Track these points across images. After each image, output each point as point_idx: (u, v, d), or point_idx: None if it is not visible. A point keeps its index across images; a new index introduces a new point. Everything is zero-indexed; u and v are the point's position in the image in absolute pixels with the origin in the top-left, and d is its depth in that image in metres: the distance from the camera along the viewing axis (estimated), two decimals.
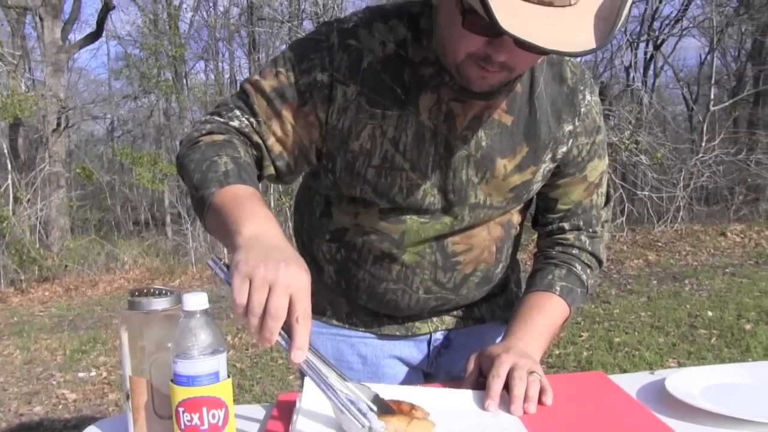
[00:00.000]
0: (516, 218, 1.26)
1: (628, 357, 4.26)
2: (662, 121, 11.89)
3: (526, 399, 0.98)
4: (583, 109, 1.16)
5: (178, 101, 12.94)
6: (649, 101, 11.17)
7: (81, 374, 4.71)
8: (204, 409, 0.82)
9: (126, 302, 0.94)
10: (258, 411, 1.07)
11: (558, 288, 1.21)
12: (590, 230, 1.26)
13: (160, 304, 0.92)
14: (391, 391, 1.04)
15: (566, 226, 1.26)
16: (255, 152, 1.12)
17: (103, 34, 12.46)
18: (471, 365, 1.10)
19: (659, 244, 8.57)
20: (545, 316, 1.19)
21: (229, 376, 0.87)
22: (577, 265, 1.25)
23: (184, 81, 13.94)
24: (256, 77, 1.12)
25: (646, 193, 9.49)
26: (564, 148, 1.17)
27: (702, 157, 9.74)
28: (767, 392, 1.04)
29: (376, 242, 1.19)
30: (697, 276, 6.64)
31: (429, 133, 1.09)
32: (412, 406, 0.89)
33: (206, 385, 0.82)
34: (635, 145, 9.41)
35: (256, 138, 1.10)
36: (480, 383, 1.07)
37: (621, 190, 9.43)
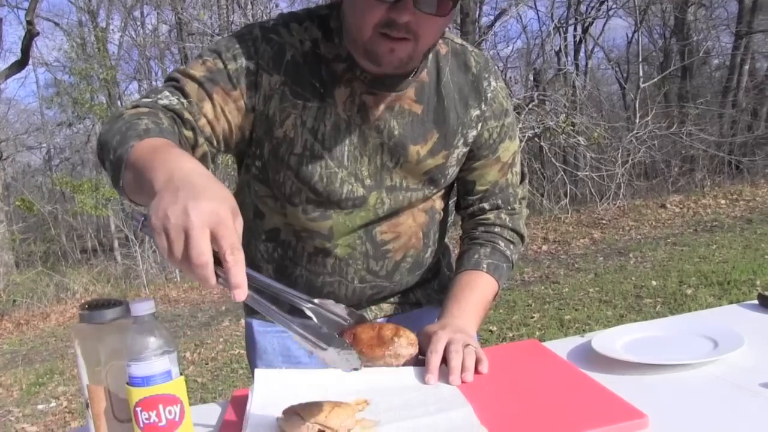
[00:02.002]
0: (439, 204, 1.33)
1: (579, 333, 4.40)
2: (597, 101, 12.22)
3: (463, 369, 1.05)
4: (489, 95, 1.25)
5: None
6: (582, 83, 11.49)
7: (40, 406, 4.64)
8: (160, 407, 0.87)
9: (77, 316, 0.98)
10: (214, 409, 1.12)
11: (485, 265, 1.30)
12: (509, 208, 1.35)
13: (110, 314, 0.96)
14: (334, 375, 1.10)
15: (486, 206, 1.34)
16: (186, 131, 1.10)
17: (30, 62, 12.17)
18: None
19: (603, 221, 8.83)
20: (476, 293, 1.27)
21: (181, 374, 0.92)
22: (500, 242, 1.33)
23: (119, 103, 13.72)
24: (183, 67, 1.16)
25: (587, 173, 9.75)
26: (474, 132, 1.25)
27: (637, 133, 10.04)
28: (681, 341, 1.14)
29: (308, 239, 1.25)
30: (641, 249, 6.88)
31: (344, 124, 1.17)
32: (397, 330, 0.88)
33: (160, 383, 0.87)
34: (572, 128, 9.66)
35: (187, 116, 1.10)
36: (419, 361, 1.14)
37: (562, 173, 9.68)
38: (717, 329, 1.15)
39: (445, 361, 1.09)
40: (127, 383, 0.89)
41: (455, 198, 1.40)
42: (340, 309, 0.91)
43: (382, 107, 1.18)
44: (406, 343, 0.86)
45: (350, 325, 0.99)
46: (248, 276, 0.76)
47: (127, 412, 0.93)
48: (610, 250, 7.18)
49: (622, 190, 9.56)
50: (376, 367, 1.12)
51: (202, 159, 1.14)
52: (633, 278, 5.66)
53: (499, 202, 1.34)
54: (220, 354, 5.36)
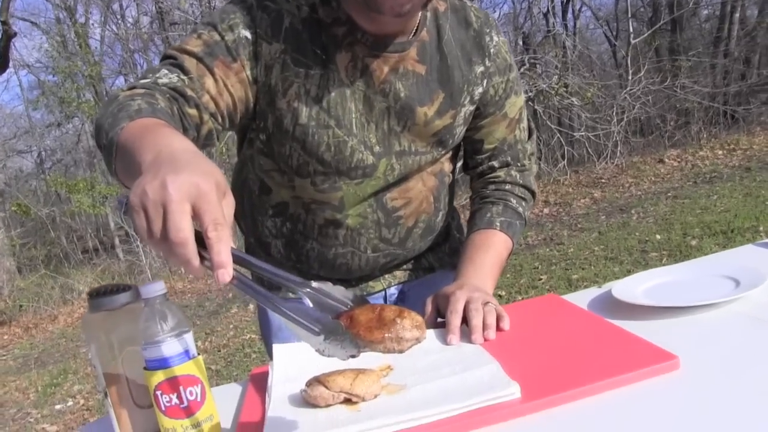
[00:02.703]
0: (447, 167, 1.31)
1: (566, 294, 4.40)
2: (588, 61, 12.12)
3: (484, 327, 1.04)
4: (492, 50, 1.22)
5: None
6: (573, 44, 11.38)
7: (58, 406, 4.65)
8: (181, 388, 0.85)
9: (87, 305, 0.96)
10: (234, 389, 1.11)
11: (498, 224, 1.27)
12: (518, 164, 1.33)
13: (120, 299, 0.94)
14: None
15: (495, 164, 1.32)
16: (190, 110, 1.05)
17: (10, 65, 12.03)
18: (428, 307, 1.15)
19: (602, 180, 8.81)
20: (491, 252, 1.25)
21: (199, 355, 0.90)
22: (512, 199, 1.31)
23: (106, 99, 13.61)
24: (179, 44, 1.11)
25: (583, 133, 9.71)
26: (480, 89, 1.22)
27: (630, 90, 9.98)
28: (701, 283, 1.12)
29: (318, 211, 1.22)
30: (642, 204, 6.87)
31: (348, 90, 1.13)
32: (400, 311, 0.78)
33: (178, 364, 0.85)
34: (565, 89, 9.60)
35: (189, 93, 1.05)
36: (439, 323, 1.13)
37: (558, 135, 9.63)
38: (736, 268, 1.13)
39: (465, 320, 1.07)
40: (145, 368, 0.87)
41: (462, 159, 1.38)
42: (340, 292, 0.81)
43: (385, 70, 1.14)
44: (410, 326, 0.76)
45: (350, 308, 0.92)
46: (237, 257, 0.69)
47: (147, 398, 0.91)
48: (612, 208, 7.17)
49: (619, 148, 9.52)
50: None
51: (208, 137, 1.10)
52: (637, 234, 5.64)
53: (509, 159, 1.32)
54: (232, 340, 5.36)
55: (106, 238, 14.16)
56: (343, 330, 0.69)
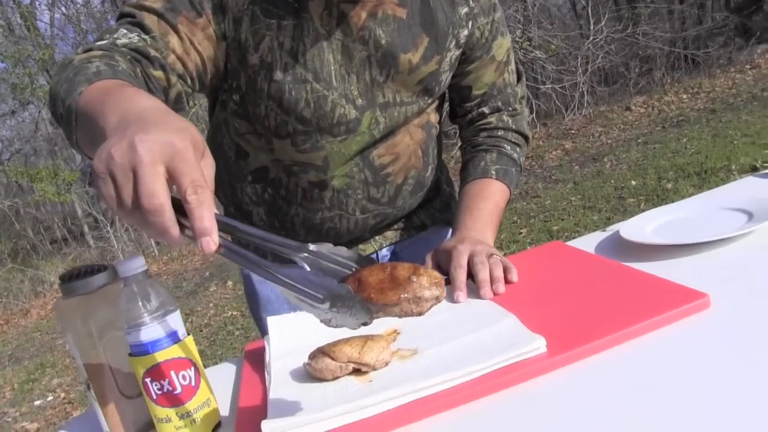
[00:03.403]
0: (434, 117, 1.23)
1: (570, 240, 4.38)
2: (548, 14, 12.04)
3: (492, 281, 0.97)
4: None
5: None
6: None
7: (37, 402, 4.54)
8: (172, 373, 0.77)
9: (59, 289, 0.87)
10: (229, 368, 1.03)
11: (493, 172, 1.20)
12: (510, 109, 1.25)
13: (96, 281, 0.85)
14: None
15: (486, 110, 1.24)
16: (155, 72, 0.96)
17: None
18: (428, 264, 1.08)
19: (572, 131, 8.80)
20: (489, 202, 1.18)
21: (189, 334, 0.82)
22: (506, 145, 1.24)
23: (59, 65, 13.18)
24: (136, 1, 1.00)
25: (549, 86, 9.68)
26: (465, 32, 1.14)
27: (594, 39, 9.95)
28: (711, 219, 1.06)
29: (301, 174, 1.14)
30: (614, 152, 6.86)
31: (325, 40, 1.04)
32: (415, 268, 0.69)
33: (167, 347, 0.77)
34: (528, 42, 9.52)
35: (153, 53, 0.95)
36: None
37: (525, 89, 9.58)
38: (745, 200, 1.08)
39: (470, 275, 1.00)
40: (130, 354, 0.79)
41: (447, 109, 1.30)
42: (343, 253, 0.69)
43: (363, 16, 1.05)
44: (428, 283, 0.67)
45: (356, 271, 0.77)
46: (221, 224, 0.60)
47: (135, 387, 0.83)
48: (584, 158, 7.15)
49: (586, 99, 9.53)
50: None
51: (177, 101, 1.00)
52: (612, 181, 5.63)
53: (499, 104, 1.24)
54: (213, 319, 5.28)
55: (74, 226, 13.87)
56: (351, 294, 0.61)
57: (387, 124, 1.13)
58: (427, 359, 0.78)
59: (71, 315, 0.86)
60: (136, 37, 0.95)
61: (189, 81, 1.01)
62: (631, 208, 4.69)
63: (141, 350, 0.77)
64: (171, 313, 0.79)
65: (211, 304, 5.80)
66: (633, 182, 5.36)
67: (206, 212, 0.57)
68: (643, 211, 4.49)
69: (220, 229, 0.59)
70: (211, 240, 0.57)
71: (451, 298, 0.97)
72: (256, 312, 1.32)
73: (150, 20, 0.97)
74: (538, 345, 0.73)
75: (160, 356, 0.77)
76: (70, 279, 0.87)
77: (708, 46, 11.28)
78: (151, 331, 0.77)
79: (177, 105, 1.01)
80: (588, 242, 1.15)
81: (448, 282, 1.02)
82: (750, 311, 0.74)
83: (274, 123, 1.09)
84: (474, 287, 0.98)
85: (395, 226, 1.29)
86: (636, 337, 0.74)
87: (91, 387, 0.86)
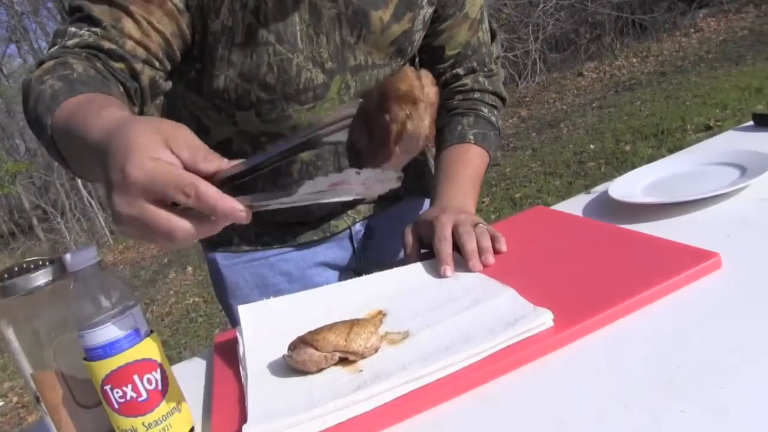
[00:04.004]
0: None
1: (554, 205, 4.37)
2: None
3: (480, 251, 0.90)
4: None
5: (0, 94, 11.80)
6: None
7: None
8: (135, 377, 0.68)
9: None
10: (198, 364, 0.95)
11: (471, 136, 1.13)
12: (485, 69, 1.18)
13: (42, 277, 0.75)
14: (332, 292, 0.93)
15: (461, 71, 1.17)
16: (116, 63, 0.88)
17: None
18: (408, 238, 1.01)
19: (527, 99, 8.81)
20: (468, 168, 1.11)
21: (152, 331, 0.73)
22: (483, 108, 1.16)
23: (0, 71, 12.70)
24: None
25: (502, 54, 9.66)
26: None
27: (543, 7, 9.95)
28: (704, 174, 1.01)
29: (268, 145, 1.05)
30: (570, 118, 6.88)
31: None
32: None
33: (128, 348, 0.68)
34: None
35: (107, 45, 0.88)
36: (424, 255, 0.98)
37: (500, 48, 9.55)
38: (731, 154, 1.03)
39: (455, 247, 0.93)
40: (85, 359, 0.69)
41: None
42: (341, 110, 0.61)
43: None
44: (430, 82, 0.59)
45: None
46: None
47: (92, 395, 0.74)
48: (541, 125, 7.16)
49: (538, 66, 9.54)
50: (381, 274, 0.94)
51: (153, 86, 0.92)
52: (570, 146, 5.63)
53: (474, 64, 1.16)
54: (174, 307, 5.14)
55: (22, 219, 13.44)
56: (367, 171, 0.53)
57: (357, 88, 1.04)
58: (421, 342, 0.71)
59: (14, 318, 0.76)
60: (86, 33, 0.87)
61: (157, 63, 0.92)
62: (591, 171, 4.69)
63: (98, 354, 0.68)
64: (130, 309, 0.70)
65: (171, 292, 5.65)
66: (591, 146, 5.36)
67: (210, 198, 0.54)
68: (605, 174, 4.49)
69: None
70: (238, 211, 0.56)
71: (438, 273, 0.89)
72: (224, 299, 1.22)
73: (99, 10, 0.88)
74: (544, 320, 0.66)
75: (121, 359, 0.68)
76: (9, 277, 0.77)
77: (654, 11, 11.38)
78: (108, 331, 0.68)
79: (155, 89, 0.93)
80: (573, 205, 1.08)
81: (432, 255, 0.94)
82: (763, 267, 0.69)
83: (235, 95, 1.00)
84: (460, 259, 0.91)
85: (368, 199, 1.21)
86: (648, 304, 0.67)
87: (40, 399, 0.76)
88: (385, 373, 0.65)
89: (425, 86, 0.52)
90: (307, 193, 0.55)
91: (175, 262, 6.73)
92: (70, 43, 0.87)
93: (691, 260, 0.71)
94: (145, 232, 0.57)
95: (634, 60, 9.08)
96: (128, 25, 0.88)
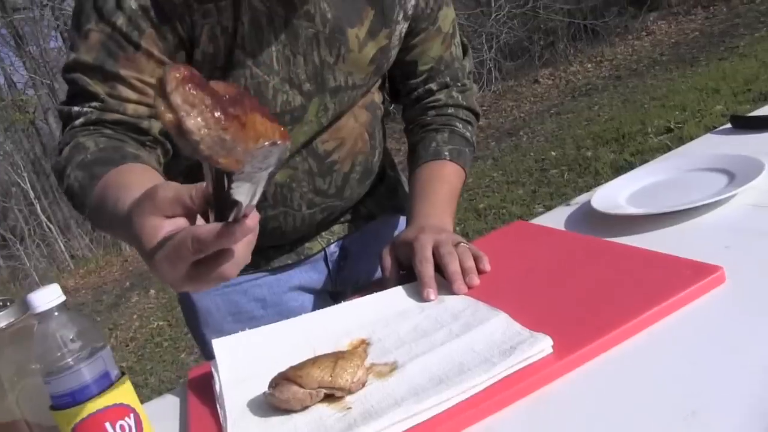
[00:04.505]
0: (378, 97, 1.13)
1: (498, 217, 4.37)
2: None
3: (464, 272, 0.87)
4: None
5: None
6: None
7: None
8: (108, 425, 0.64)
9: None
10: (171, 401, 0.89)
11: (447, 153, 1.10)
12: (458, 84, 1.16)
13: (2, 319, 0.70)
14: (310, 321, 0.89)
15: (434, 86, 1.14)
16: (130, 134, 0.90)
17: None
18: (386, 260, 0.97)
19: (484, 108, 8.86)
20: (444, 185, 1.08)
21: (123, 374, 0.68)
22: (457, 123, 1.14)
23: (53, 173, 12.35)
24: (72, 55, 0.90)
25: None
26: (412, 1, 1.03)
27: (496, 16, 10.06)
28: (690, 181, 0.99)
29: None
30: (529, 125, 6.94)
31: (265, 18, 0.91)
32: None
33: (98, 393, 0.63)
34: None
35: (111, 116, 0.89)
36: (404, 276, 0.95)
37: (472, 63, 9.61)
38: (714, 159, 1.01)
39: (438, 268, 0.89)
40: (52, 407, 0.64)
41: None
42: None
43: None
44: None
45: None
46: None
47: None
48: (499, 133, 7.20)
49: (494, 74, 9.63)
50: (361, 300, 0.91)
51: (165, 132, 0.93)
52: (531, 154, 5.66)
53: (447, 79, 1.14)
54: (138, 332, 5.02)
55: None
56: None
57: (336, 109, 1.01)
58: (412, 374, 0.67)
59: None
60: (88, 110, 0.90)
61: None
62: (555, 179, 4.72)
63: (66, 401, 0.63)
64: (99, 351, 0.65)
65: (135, 316, 5.52)
66: (552, 153, 5.40)
67: (207, 236, 0.53)
68: (568, 180, 4.51)
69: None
70: (247, 229, 0.53)
71: (420, 297, 0.86)
72: (196, 328, 1.17)
73: (93, 82, 0.89)
74: (543, 346, 0.63)
75: (91, 406, 0.63)
76: None
77: (605, 16, 11.59)
78: (76, 376, 0.63)
79: (168, 135, 0.93)
80: (553, 219, 1.06)
81: (413, 278, 0.91)
82: (766, 281, 0.67)
83: None
84: (443, 282, 0.88)
85: (341, 219, 1.18)
86: (651, 325, 0.65)
87: None
88: (377, 411, 0.61)
89: (171, 97, 0.48)
90: (249, 196, 0.52)
91: (137, 285, 6.59)
92: (77, 123, 0.90)
93: (694, 275, 0.69)
94: (199, 286, 0.59)
95: (589, 65, 9.21)
96: (123, 89, 0.89)
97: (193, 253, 0.54)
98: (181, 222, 0.58)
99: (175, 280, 0.57)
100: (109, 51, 0.88)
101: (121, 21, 0.86)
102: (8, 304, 0.73)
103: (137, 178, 0.76)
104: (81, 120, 0.90)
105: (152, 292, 6.07)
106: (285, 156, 0.52)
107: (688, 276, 0.68)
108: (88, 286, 7.76)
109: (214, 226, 0.53)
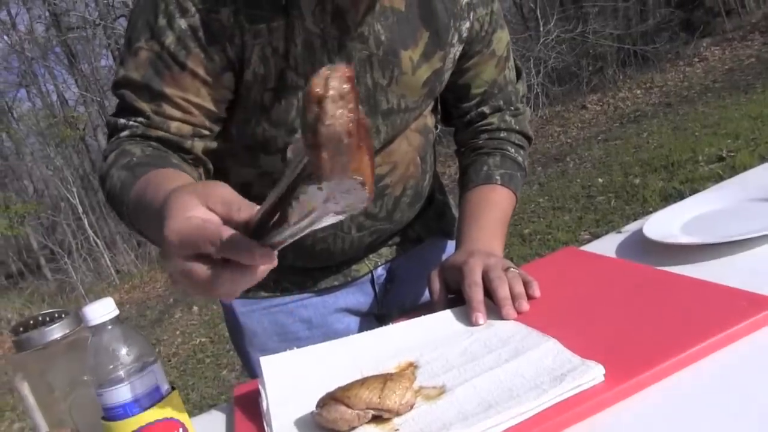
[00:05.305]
0: (430, 121, 1.13)
1: (543, 243, 4.32)
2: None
3: (514, 298, 0.86)
4: None
5: (10, 137, 11.91)
6: None
7: None
8: None
9: (12, 344, 0.73)
10: (217, 417, 0.90)
11: (498, 177, 1.10)
12: (512, 108, 1.15)
13: (57, 331, 0.72)
14: (358, 343, 0.89)
15: (486, 109, 1.14)
16: (172, 152, 0.93)
17: None
18: (435, 284, 0.97)
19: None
20: (495, 210, 1.07)
21: (174, 388, 0.69)
22: (509, 148, 1.13)
23: (10, 114, 12.83)
24: (122, 72, 0.93)
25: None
26: (467, 24, 1.03)
27: (544, 41, 10.02)
28: (743, 211, 0.97)
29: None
30: (576, 151, 6.86)
31: (318, 40, 0.92)
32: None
33: (149, 407, 0.64)
34: None
35: (155, 133, 0.92)
36: (452, 300, 0.94)
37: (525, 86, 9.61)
38: None
39: (487, 293, 0.89)
40: (103, 418, 0.65)
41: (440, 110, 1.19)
42: None
43: (361, 9, 0.92)
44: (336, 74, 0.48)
45: None
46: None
47: None
48: (546, 159, 7.14)
49: (541, 99, 9.57)
50: (409, 322, 0.90)
51: (206, 152, 0.96)
52: (578, 180, 5.60)
53: (501, 102, 1.13)
54: (181, 347, 5.08)
55: (30, 259, 13.43)
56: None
57: (388, 132, 1.01)
58: (460, 398, 0.66)
59: (29, 371, 0.72)
60: (134, 123, 0.93)
61: (206, 131, 0.95)
62: (602, 206, 4.65)
63: (117, 413, 0.64)
64: (151, 366, 0.66)
65: (177, 332, 5.60)
66: (600, 180, 5.33)
67: (233, 244, 0.54)
68: (615, 208, 4.44)
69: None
70: (269, 259, 0.55)
71: (470, 321, 0.85)
72: (241, 347, 1.18)
73: (139, 99, 0.92)
74: (595, 374, 0.62)
75: (142, 419, 0.64)
76: (25, 329, 0.73)
77: (655, 41, 11.46)
78: (128, 389, 0.64)
79: (209, 154, 0.98)
80: (604, 246, 1.04)
81: (461, 302, 0.90)
82: None
83: (262, 139, 0.97)
84: (492, 306, 0.87)
85: (389, 242, 1.18)
86: (704, 357, 0.63)
87: None
88: None
89: (330, 79, 0.48)
90: (301, 220, 0.52)
91: (180, 301, 6.68)
92: (123, 134, 0.92)
93: (749, 307, 0.67)
94: (192, 286, 0.58)
95: (638, 91, 9.09)
96: (168, 108, 0.91)
97: (209, 242, 0.54)
98: (215, 218, 0.57)
99: (176, 266, 0.57)
100: (157, 69, 0.90)
101: (170, 40, 0.89)
102: (63, 316, 0.74)
103: (181, 177, 0.79)
104: (127, 132, 0.92)
105: (195, 308, 6.15)
106: (355, 211, 0.52)
107: (744, 308, 0.66)
108: (132, 301, 7.90)
109: (243, 235, 0.54)
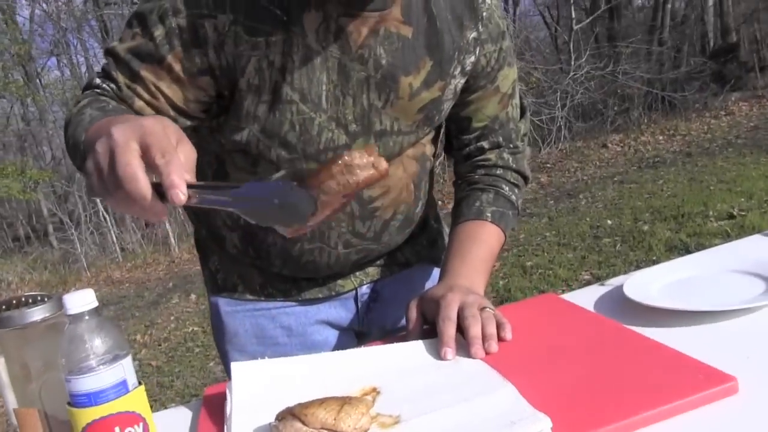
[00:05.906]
0: (429, 149, 1.14)
1: (543, 278, 4.32)
2: (529, 47, 12.13)
3: (484, 338, 0.88)
4: (484, 14, 1.05)
5: (35, 103, 12.04)
6: (514, 29, 11.35)
7: None
8: (117, 430, 0.67)
9: None
10: (183, 414, 0.92)
11: (489, 214, 1.12)
12: (511, 146, 1.17)
13: (37, 313, 0.74)
14: (328, 361, 0.92)
15: (485, 145, 1.16)
16: None
17: None
18: (413, 313, 0.99)
19: (548, 165, 8.81)
20: (481, 246, 1.09)
21: (140, 384, 0.71)
22: (504, 186, 1.15)
23: (38, 81, 12.97)
24: (114, 42, 0.98)
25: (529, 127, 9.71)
26: (472, 58, 1.05)
27: (574, 75, 10.02)
28: (726, 282, 0.98)
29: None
30: (590, 189, 6.86)
31: (318, 57, 0.95)
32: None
33: (113, 399, 0.67)
34: None
35: (121, 105, 0.95)
36: (426, 331, 0.96)
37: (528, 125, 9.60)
38: (757, 264, 1.00)
39: (459, 329, 0.91)
40: (69, 403, 0.68)
41: (443, 141, 1.21)
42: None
43: (364, 32, 0.95)
44: (359, 154, 0.70)
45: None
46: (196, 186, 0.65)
47: None
48: (559, 193, 7.14)
49: (563, 133, 9.57)
50: (378, 345, 0.93)
51: None
52: (587, 219, 5.61)
53: (500, 139, 1.15)
54: (173, 333, 5.11)
55: (39, 225, 13.55)
56: (291, 185, 0.68)
57: (381, 153, 1.04)
58: (413, 430, 0.68)
59: (6, 348, 0.75)
60: (107, 88, 0.98)
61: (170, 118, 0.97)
62: (606, 248, 4.65)
63: (82, 401, 0.67)
64: (121, 359, 0.69)
65: (172, 317, 5.63)
66: (609, 221, 5.33)
67: (173, 170, 0.62)
68: (619, 252, 4.43)
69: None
70: (180, 191, 0.62)
71: (438, 354, 0.87)
72: (221, 344, 1.21)
73: (120, 70, 0.97)
74: (542, 426, 0.64)
75: (104, 409, 0.67)
76: (8, 308, 0.76)
77: (685, 89, 11.45)
78: (95, 379, 0.66)
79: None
80: (584, 297, 1.06)
81: (434, 334, 0.92)
82: None
83: (256, 150, 1.00)
84: (463, 343, 0.89)
85: (378, 262, 1.20)
86: (653, 423, 0.65)
87: None
88: None
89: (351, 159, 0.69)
90: (241, 199, 0.66)
91: (179, 287, 6.72)
92: (98, 90, 0.97)
93: (706, 381, 0.68)
94: (105, 169, 0.64)
95: (661, 137, 9.08)
96: (139, 88, 0.95)
97: (162, 152, 0.63)
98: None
99: (126, 160, 0.62)
100: (140, 54, 0.94)
101: (158, 33, 0.93)
102: (46, 300, 0.77)
103: None
104: (99, 91, 0.97)
105: (193, 296, 6.19)
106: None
107: (701, 381, 0.68)
108: (132, 280, 7.95)
109: (181, 169, 0.63)
